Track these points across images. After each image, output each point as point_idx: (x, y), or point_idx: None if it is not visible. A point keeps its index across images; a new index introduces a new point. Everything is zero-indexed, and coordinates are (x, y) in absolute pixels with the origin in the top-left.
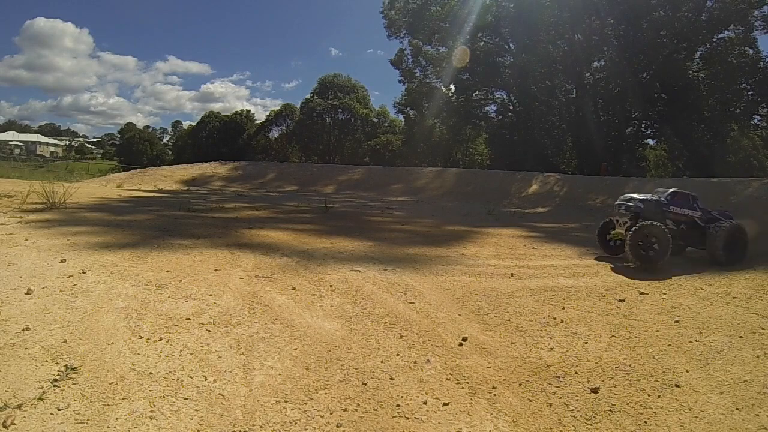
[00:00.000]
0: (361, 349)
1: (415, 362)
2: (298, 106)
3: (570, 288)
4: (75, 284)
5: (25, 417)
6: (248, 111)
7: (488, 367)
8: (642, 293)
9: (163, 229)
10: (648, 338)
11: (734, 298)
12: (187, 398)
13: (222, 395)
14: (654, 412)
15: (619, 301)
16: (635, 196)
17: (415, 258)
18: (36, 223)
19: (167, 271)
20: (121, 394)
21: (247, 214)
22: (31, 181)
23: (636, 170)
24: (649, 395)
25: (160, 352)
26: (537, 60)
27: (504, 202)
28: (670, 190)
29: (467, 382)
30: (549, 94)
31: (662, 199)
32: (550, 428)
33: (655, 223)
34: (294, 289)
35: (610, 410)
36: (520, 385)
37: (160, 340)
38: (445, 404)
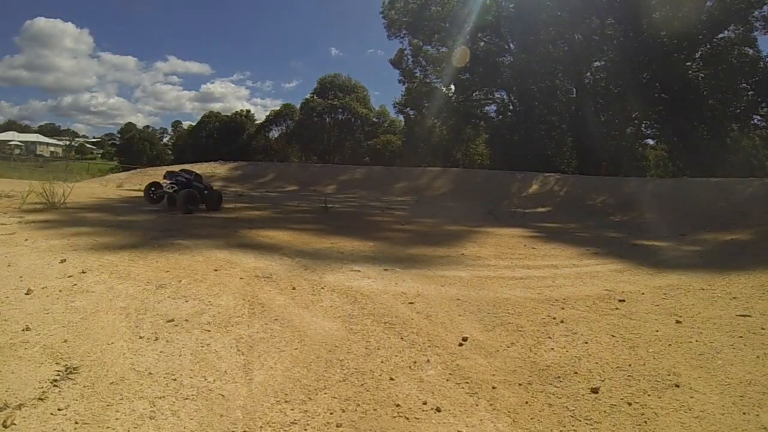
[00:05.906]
0: (361, 349)
1: (415, 362)
2: (298, 106)
3: (570, 287)
4: (75, 284)
5: (25, 417)
6: (248, 111)
7: (488, 368)
8: (642, 293)
9: (163, 229)
10: (648, 338)
11: (734, 298)
12: (187, 398)
13: (222, 395)
14: (654, 412)
15: (619, 301)
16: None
17: (416, 258)
18: (36, 223)
19: (167, 271)
20: (121, 394)
21: (248, 214)
22: (31, 181)
23: (636, 170)
24: (649, 395)
25: (160, 352)
26: (537, 60)
27: (504, 202)
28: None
29: (467, 383)
30: (549, 94)
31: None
32: (550, 429)
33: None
34: (294, 288)
35: (610, 410)
36: (520, 385)
37: (160, 340)
38: (444, 405)
